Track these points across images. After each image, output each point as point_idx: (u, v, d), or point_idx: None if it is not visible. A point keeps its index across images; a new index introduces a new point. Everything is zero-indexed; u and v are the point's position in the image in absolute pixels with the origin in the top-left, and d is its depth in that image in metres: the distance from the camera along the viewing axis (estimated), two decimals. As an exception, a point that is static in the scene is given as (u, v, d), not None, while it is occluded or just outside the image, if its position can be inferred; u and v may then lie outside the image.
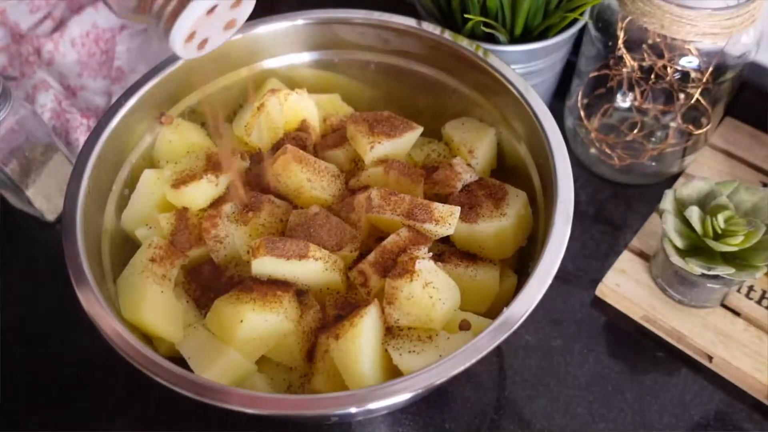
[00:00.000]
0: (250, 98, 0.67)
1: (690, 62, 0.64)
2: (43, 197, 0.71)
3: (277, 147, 0.63)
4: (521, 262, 0.60)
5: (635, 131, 0.70)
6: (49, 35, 0.87)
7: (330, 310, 0.55)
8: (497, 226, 0.56)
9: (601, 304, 0.67)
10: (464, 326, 0.52)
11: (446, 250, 0.59)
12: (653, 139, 0.74)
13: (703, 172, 0.74)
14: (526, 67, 0.70)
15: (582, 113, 0.71)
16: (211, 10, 0.44)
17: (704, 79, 0.64)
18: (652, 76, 0.65)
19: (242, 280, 0.56)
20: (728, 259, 0.59)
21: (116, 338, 0.47)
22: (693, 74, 0.64)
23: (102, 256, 0.56)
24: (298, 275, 0.54)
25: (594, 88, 0.72)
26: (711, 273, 0.57)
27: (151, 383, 0.45)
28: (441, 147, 0.65)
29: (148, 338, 0.53)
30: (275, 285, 0.53)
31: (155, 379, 0.45)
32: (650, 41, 0.64)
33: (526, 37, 0.69)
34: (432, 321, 0.51)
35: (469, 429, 0.60)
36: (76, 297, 0.49)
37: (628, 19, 0.63)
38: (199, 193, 0.58)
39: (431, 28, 0.63)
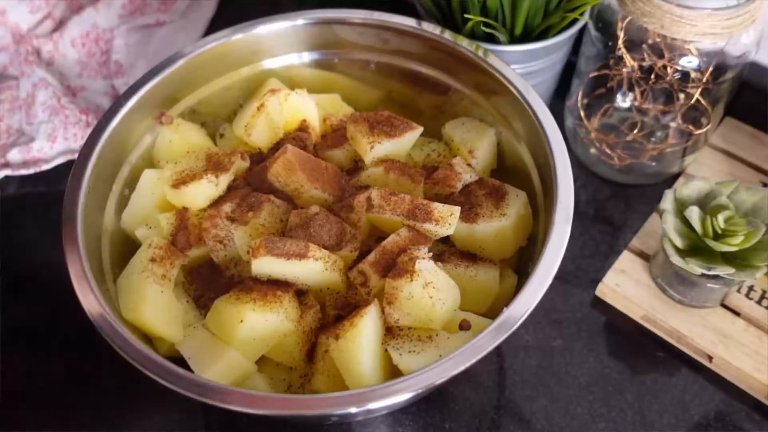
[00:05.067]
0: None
1: (690, 62, 0.64)
2: None
3: (277, 147, 0.63)
4: (521, 262, 0.60)
5: (635, 131, 0.70)
6: (49, 35, 0.87)
7: (330, 310, 0.55)
8: (497, 226, 0.56)
9: (601, 304, 0.67)
10: (464, 326, 0.52)
11: (446, 250, 0.59)
12: (653, 139, 0.74)
13: (703, 172, 0.74)
14: (526, 67, 0.70)
15: (582, 113, 0.71)
16: None
17: (704, 79, 0.64)
18: (652, 76, 0.65)
19: (242, 280, 0.56)
20: (728, 259, 0.59)
21: (116, 338, 0.47)
22: (693, 74, 0.64)
23: (102, 256, 0.56)
24: (298, 275, 0.54)
25: (594, 88, 0.72)
26: (711, 273, 0.57)
27: (151, 383, 0.45)
28: (441, 147, 0.65)
29: (148, 338, 0.53)
30: (275, 285, 0.53)
31: (155, 379, 0.45)
32: (650, 41, 0.64)
33: (526, 37, 0.69)
34: (432, 321, 0.51)
35: (469, 429, 0.60)
36: (76, 297, 0.49)
37: (628, 19, 0.63)
38: (199, 193, 0.58)
39: (431, 28, 0.63)
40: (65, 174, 0.56)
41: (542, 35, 0.69)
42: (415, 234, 0.55)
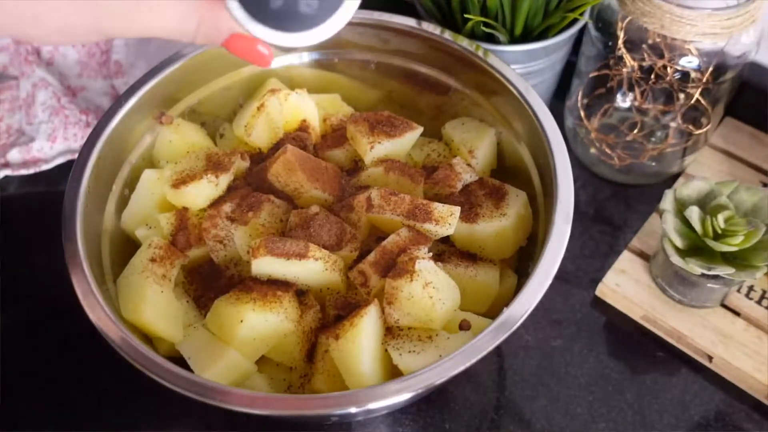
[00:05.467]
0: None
1: (690, 62, 0.64)
2: None
3: (277, 147, 0.63)
4: (521, 262, 0.60)
5: (635, 131, 0.70)
6: (49, 35, 0.87)
7: (330, 310, 0.55)
8: (497, 226, 0.56)
9: (601, 304, 0.67)
10: (464, 326, 0.52)
11: (446, 250, 0.59)
12: (653, 139, 0.74)
13: (703, 172, 0.74)
14: (526, 67, 0.70)
15: (582, 113, 0.71)
16: None
17: (704, 79, 0.64)
18: (652, 76, 0.65)
19: (242, 280, 0.56)
20: (728, 259, 0.59)
21: (116, 338, 0.47)
22: (693, 74, 0.64)
23: (102, 256, 0.56)
24: (298, 275, 0.54)
25: (594, 88, 0.72)
26: (711, 273, 0.57)
27: (151, 383, 0.45)
28: (441, 147, 0.65)
29: (148, 338, 0.53)
30: (275, 285, 0.53)
31: (155, 379, 0.45)
32: (650, 41, 0.64)
33: (526, 37, 0.69)
34: (432, 321, 0.51)
35: (469, 429, 0.60)
36: (76, 297, 0.49)
37: (628, 19, 0.63)
38: (199, 193, 0.58)
39: (431, 28, 0.63)
40: (65, 174, 0.56)
41: (542, 35, 0.69)
42: (415, 234, 0.55)
